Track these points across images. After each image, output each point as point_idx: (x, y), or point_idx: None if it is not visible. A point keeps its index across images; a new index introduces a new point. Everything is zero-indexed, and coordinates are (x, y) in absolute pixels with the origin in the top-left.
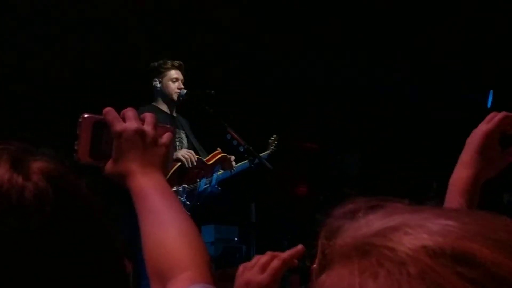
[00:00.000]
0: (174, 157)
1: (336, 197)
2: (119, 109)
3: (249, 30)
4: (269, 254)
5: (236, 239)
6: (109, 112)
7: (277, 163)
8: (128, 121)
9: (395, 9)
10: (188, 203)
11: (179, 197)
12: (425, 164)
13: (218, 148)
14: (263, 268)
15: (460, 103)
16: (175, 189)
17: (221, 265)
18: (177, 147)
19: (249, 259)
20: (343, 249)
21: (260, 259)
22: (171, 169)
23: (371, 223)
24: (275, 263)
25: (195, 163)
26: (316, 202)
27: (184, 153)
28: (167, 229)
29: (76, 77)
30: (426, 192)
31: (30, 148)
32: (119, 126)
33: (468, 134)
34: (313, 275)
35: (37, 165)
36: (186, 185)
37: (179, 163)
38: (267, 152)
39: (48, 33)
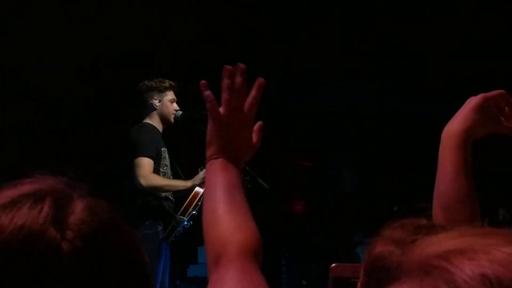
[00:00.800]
0: (197, 184)
1: (331, 213)
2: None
3: (235, 43)
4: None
5: None
6: (210, 99)
7: (273, 180)
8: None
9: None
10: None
11: (187, 222)
12: (423, 180)
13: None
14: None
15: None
16: (194, 212)
17: None
18: (165, 166)
19: None
20: (410, 265)
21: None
22: (196, 195)
23: (441, 243)
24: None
25: None
26: (318, 217)
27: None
28: (221, 219)
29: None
30: (424, 208)
31: (70, 186)
32: (217, 115)
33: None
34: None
35: (75, 217)
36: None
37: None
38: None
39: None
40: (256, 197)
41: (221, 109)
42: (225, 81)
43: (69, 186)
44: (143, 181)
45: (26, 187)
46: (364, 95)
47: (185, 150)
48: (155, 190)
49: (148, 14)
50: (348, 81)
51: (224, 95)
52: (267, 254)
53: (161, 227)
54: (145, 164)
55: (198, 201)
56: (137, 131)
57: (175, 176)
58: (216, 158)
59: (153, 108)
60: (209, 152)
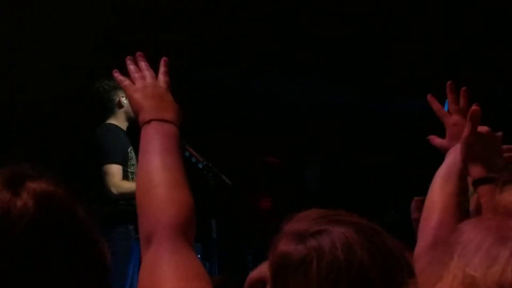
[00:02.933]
0: None
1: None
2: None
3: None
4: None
5: (199, 256)
6: (118, 77)
7: (239, 177)
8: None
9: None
10: None
11: None
12: (385, 176)
13: None
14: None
15: (417, 114)
16: None
17: None
18: (132, 165)
19: (212, 275)
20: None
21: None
22: None
23: None
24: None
25: None
26: (284, 214)
27: None
28: (155, 173)
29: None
30: (388, 201)
31: (36, 170)
32: (131, 86)
33: (427, 144)
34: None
35: (31, 186)
36: None
37: None
38: None
39: None
40: (220, 194)
41: (136, 82)
42: (129, 63)
43: (34, 171)
44: (114, 190)
45: None
46: (326, 89)
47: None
48: (126, 196)
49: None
50: (311, 76)
51: (130, 69)
52: (233, 251)
53: (132, 227)
54: (115, 171)
55: None
56: (102, 136)
57: None
58: (148, 122)
59: (120, 106)
60: (140, 119)
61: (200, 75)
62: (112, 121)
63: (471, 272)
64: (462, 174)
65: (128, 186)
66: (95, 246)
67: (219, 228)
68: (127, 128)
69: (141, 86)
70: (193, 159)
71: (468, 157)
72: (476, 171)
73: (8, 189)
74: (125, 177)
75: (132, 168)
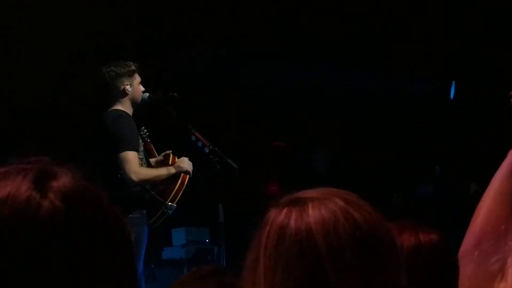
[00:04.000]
0: (182, 170)
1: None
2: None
3: (213, 28)
4: None
5: (207, 240)
6: None
7: (246, 162)
8: None
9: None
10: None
11: (169, 211)
12: (392, 159)
13: (170, 151)
14: None
15: (423, 95)
16: (175, 206)
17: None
18: (141, 152)
19: (220, 260)
20: None
21: None
22: (185, 180)
23: None
24: None
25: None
26: None
27: (189, 164)
28: None
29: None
30: (392, 189)
31: (56, 164)
32: None
33: (431, 125)
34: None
35: (58, 184)
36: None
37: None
38: None
39: None
40: (227, 178)
41: None
42: None
43: (56, 165)
44: (135, 177)
45: (17, 165)
46: (334, 74)
47: (153, 131)
48: (146, 183)
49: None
50: (317, 61)
51: None
52: (241, 235)
53: (145, 212)
54: (132, 158)
55: (186, 186)
56: (116, 123)
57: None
58: None
59: (125, 94)
60: None
61: (209, 58)
62: (119, 107)
63: None
64: None
65: (147, 172)
66: (126, 240)
67: (226, 212)
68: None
69: None
70: (200, 144)
71: None
72: None
73: (34, 188)
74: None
75: (140, 154)
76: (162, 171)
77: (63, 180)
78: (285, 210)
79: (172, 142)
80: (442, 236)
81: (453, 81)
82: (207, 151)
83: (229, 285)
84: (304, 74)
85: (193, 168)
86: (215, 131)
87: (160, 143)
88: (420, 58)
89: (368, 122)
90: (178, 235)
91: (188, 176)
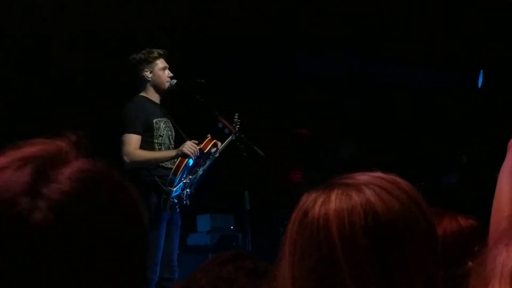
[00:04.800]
0: (180, 152)
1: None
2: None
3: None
4: None
5: (231, 227)
6: None
7: (270, 149)
8: None
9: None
10: (193, 191)
11: (187, 189)
12: (420, 149)
13: (209, 135)
14: None
15: (452, 84)
16: (185, 181)
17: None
18: (169, 136)
19: (245, 246)
20: None
21: None
22: (181, 164)
23: None
24: None
25: (198, 154)
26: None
27: (189, 147)
28: None
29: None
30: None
31: (74, 146)
32: None
33: (460, 115)
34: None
35: (68, 171)
36: (191, 177)
37: (187, 159)
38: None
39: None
40: (253, 165)
41: None
42: None
43: (72, 147)
44: (127, 158)
45: (22, 150)
46: (361, 63)
47: (182, 118)
48: (139, 165)
49: None
50: (345, 49)
51: None
52: (265, 224)
53: (155, 197)
54: (130, 140)
55: (183, 169)
56: (125, 108)
57: (178, 144)
58: None
59: (146, 80)
60: None
61: (233, 47)
62: (142, 93)
63: None
64: None
65: (141, 154)
66: (140, 223)
67: (251, 199)
68: (165, 100)
69: None
70: (226, 131)
71: None
72: None
73: (28, 191)
74: (151, 147)
75: (159, 139)
76: (161, 154)
77: (64, 177)
78: (313, 195)
79: (199, 129)
80: (478, 221)
81: (481, 70)
82: (234, 138)
83: (247, 269)
84: (330, 63)
85: (220, 155)
86: (241, 118)
87: (187, 130)
88: (448, 47)
89: (393, 110)
90: (203, 222)
91: (186, 160)
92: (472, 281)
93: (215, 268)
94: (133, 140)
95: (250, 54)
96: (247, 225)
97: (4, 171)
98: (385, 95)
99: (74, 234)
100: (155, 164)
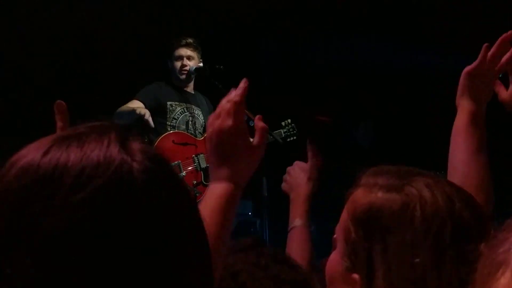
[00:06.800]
0: (139, 111)
1: (348, 169)
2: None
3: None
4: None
5: (249, 213)
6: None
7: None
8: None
9: None
10: (206, 183)
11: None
12: (440, 136)
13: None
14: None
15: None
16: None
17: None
18: (190, 123)
19: (263, 233)
20: None
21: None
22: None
23: None
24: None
25: (145, 118)
26: (335, 173)
27: (142, 110)
28: None
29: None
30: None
31: (126, 128)
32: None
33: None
34: (342, 231)
35: (136, 146)
36: (180, 161)
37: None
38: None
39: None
40: (271, 152)
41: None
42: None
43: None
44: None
45: (87, 125)
46: (379, 49)
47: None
48: (116, 116)
49: None
50: (362, 35)
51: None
52: (283, 210)
53: None
54: (129, 103)
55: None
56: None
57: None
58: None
59: (168, 69)
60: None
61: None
62: (170, 81)
63: None
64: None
65: (124, 105)
66: (195, 209)
67: (269, 186)
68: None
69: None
70: (245, 117)
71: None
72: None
73: (123, 151)
74: (163, 129)
75: (173, 121)
76: (129, 108)
77: (138, 142)
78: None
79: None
80: None
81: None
82: (253, 124)
83: (268, 256)
84: (349, 48)
85: None
86: (260, 105)
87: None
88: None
89: (411, 98)
90: None
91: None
92: (480, 266)
93: (238, 253)
94: (132, 103)
95: (273, 41)
96: (265, 212)
97: (86, 137)
98: (406, 80)
99: (159, 196)
100: (126, 116)
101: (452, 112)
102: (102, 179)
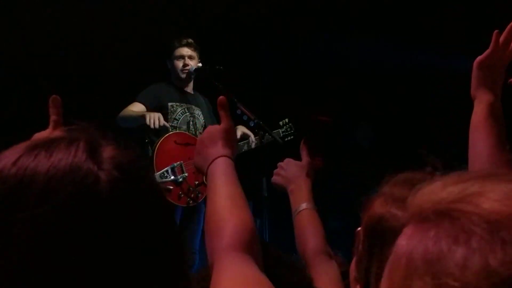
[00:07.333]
0: (146, 115)
1: (348, 168)
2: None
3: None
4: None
5: None
6: None
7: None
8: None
9: None
10: (197, 182)
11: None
12: (442, 137)
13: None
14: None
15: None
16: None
17: None
18: (191, 123)
19: (262, 233)
20: (421, 213)
21: None
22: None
23: (448, 188)
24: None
25: (157, 126)
26: (336, 173)
27: (152, 116)
28: (219, 201)
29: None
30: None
31: (101, 132)
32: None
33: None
34: (357, 238)
35: (108, 154)
36: (182, 161)
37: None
38: (279, 131)
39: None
40: (271, 152)
41: None
42: None
43: (97, 134)
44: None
45: (58, 133)
46: (379, 49)
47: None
48: (121, 121)
49: None
50: (362, 36)
51: None
52: (283, 210)
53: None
54: (131, 105)
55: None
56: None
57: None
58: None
59: (169, 69)
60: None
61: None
62: (171, 80)
63: None
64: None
65: (124, 110)
66: (169, 214)
67: (270, 186)
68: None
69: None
70: (245, 117)
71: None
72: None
73: (90, 159)
74: (165, 129)
75: (174, 122)
76: (134, 113)
77: (110, 150)
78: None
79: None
80: None
81: None
82: (252, 124)
83: (272, 258)
84: (349, 48)
85: (239, 142)
86: (260, 105)
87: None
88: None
89: (411, 98)
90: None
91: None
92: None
93: None
94: (134, 106)
95: (273, 42)
96: (265, 212)
97: (55, 145)
98: (405, 80)
99: (125, 206)
100: (132, 121)
101: (452, 112)
102: (66, 191)
